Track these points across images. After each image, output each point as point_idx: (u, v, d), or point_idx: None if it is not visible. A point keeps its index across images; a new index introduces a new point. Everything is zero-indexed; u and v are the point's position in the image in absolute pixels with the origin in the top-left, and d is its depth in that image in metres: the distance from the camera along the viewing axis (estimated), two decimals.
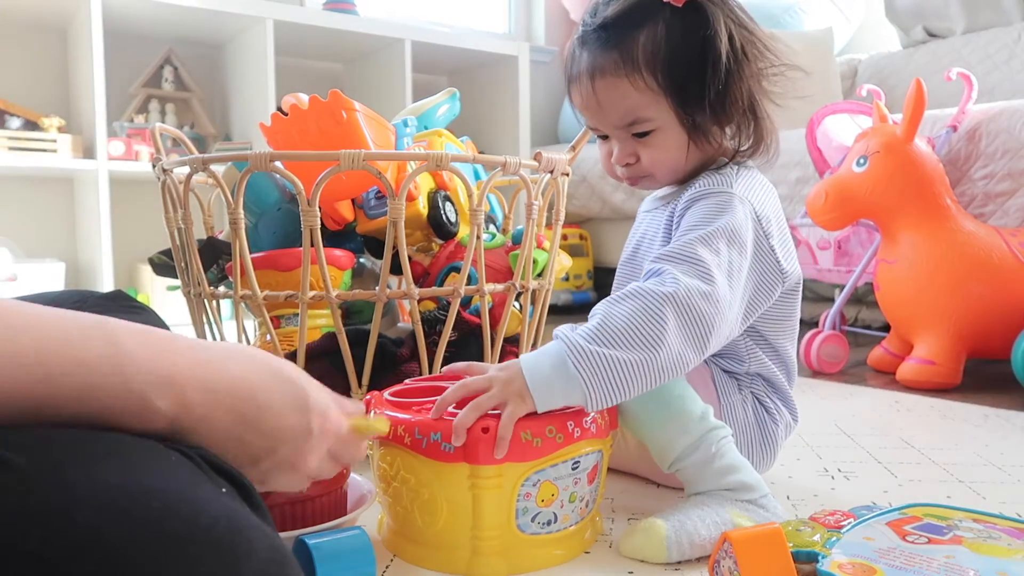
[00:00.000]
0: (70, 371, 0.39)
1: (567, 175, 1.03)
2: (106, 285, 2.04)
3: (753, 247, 0.74)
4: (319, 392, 0.52)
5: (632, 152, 0.79)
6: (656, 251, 0.79)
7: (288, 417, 0.48)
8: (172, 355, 0.44)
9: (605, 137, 0.82)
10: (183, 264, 1.04)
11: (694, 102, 0.75)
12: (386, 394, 0.72)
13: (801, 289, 0.82)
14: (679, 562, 0.66)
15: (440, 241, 1.12)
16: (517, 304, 1.06)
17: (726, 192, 0.74)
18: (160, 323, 0.93)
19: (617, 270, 0.90)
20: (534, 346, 1.09)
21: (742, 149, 0.79)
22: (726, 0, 0.76)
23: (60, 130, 2.16)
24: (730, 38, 0.74)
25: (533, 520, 0.64)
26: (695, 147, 0.78)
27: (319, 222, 0.87)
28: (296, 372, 0.51)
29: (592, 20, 0.77)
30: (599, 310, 0.67)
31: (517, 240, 1.08)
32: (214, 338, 1.06)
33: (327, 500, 0.65)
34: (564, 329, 0.66)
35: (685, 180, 0.81)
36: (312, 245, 0.87)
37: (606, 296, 0.69)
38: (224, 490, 0.41)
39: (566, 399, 0.63)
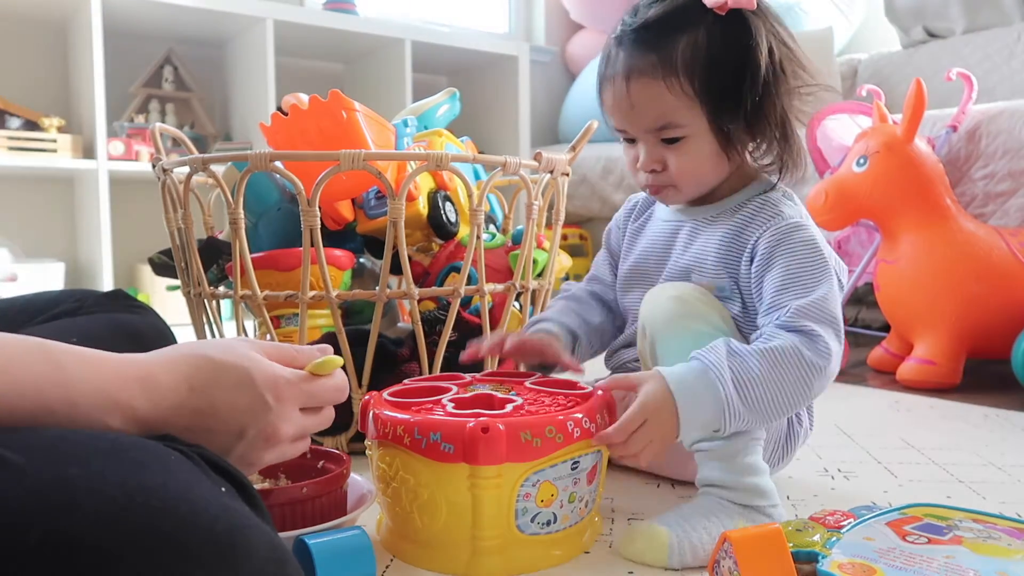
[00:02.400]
0: (24, 394, 0.41)
1: (567, 175, 1.03)
2: (106, 285, 2.04)
3: None
4: (264, 365, 0.52)
5: (659, 159, 0.77)
6: (712, 272, 0.78)
7: (240, 399, 0.50)
8: (113, 375, 0.45)
9: (632, 141, 0.79)
10: (183, 264, 1.04)
11: (729, 112, 0.74)
12: (386, 394, 0.72)
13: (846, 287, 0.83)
14: None
15: (440, 241, 1.12)
16: (517, 304, 1.06)
17: (804, 226, 0.75)
18: (160, 323, 0.93)
19: (626, 275, 0.87)
20: None
21: (765, 164, 0.79)
22: (768, 13, 0.75)
23: (60, 130, 2.16)
24: (770, 51, 0.73)
25: (533, 520, 0.64)
26: (723, 159, 0.77)
27: (319, 222, 0.87)
28: (238, 355, 0.52)
29: (632, 20, 0.76)
30: (757, 364, 0.67)
31: (517, 240, 1.08)
32: (214, 337, 1.06)
33: (327, 500, 0.65)
34: (724, 372, 0.66)
35: (708, 195, 0.80)
36: (312, 245, 0.87)
37: None
38: (223, 489, 0.41)
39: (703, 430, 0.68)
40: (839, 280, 0.77)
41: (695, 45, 0.73)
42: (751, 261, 0.75)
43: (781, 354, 0.67)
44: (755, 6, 0.73)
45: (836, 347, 0.69)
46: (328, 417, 0.58)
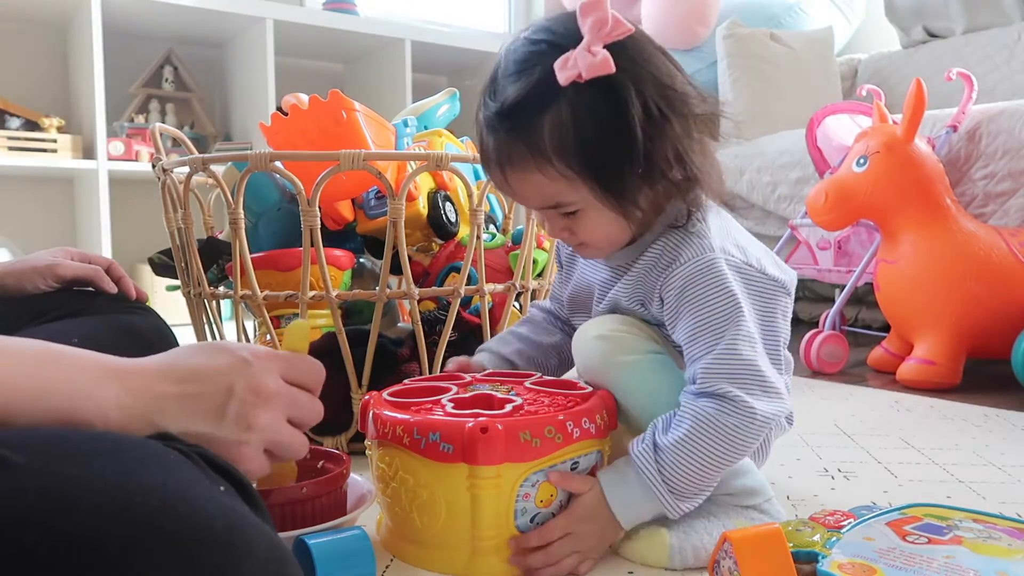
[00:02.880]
0: (19, 385, 0.43)
1: None
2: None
3: (750, 292, 0.71)
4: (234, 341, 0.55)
5: (563, 228, 0.72)
6: (637, 313, 0.74)
7: (217, 360, 0.51)
8: (102, 355, 0.47)
9: None
10: (183, 264, 1.04)
11: (615, 180, 0.68)
12: (385, 394, 0.72)
13: (793, 293, 0.79)
14: None
15: (440, 241, 1.12)
16: (517, 304, 1.06)
17: (707, 264, 0.69)
18: (162, 324, 0.93)
19: (568, 302, 0.84)
20: None
21: (675, 196, 0.72)
22: (636, 59, 0.66)
23: (60, 130, 2.16)
24: (645, 106, 0.65)
25: (532, 521, 0.64)
26: (628, 218, 0.71)
27: (319, 222, 0.87)
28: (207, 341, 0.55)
29: (492, 102, 0.70)
30: (678, 458, 0.64)
31: (517, 240, 1.08)
32: (214, 339, 1.06)
33: (327, 500, 0.65)
34: (654, 478, 0.64)
35: (634, 239, 0.75)
36: (312, 245, 0.87)
37: None
38: (222, 488, 0.41)
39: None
40: (785, 289, 0.74)
41: (561, 125, 0.66)
42: (662, 304, 0.72)
43: (702, 434, 0.64)
44: (615, 69, 0.64)
45: (756, 398, 0.65)
46: (317, 407, 0.55)
